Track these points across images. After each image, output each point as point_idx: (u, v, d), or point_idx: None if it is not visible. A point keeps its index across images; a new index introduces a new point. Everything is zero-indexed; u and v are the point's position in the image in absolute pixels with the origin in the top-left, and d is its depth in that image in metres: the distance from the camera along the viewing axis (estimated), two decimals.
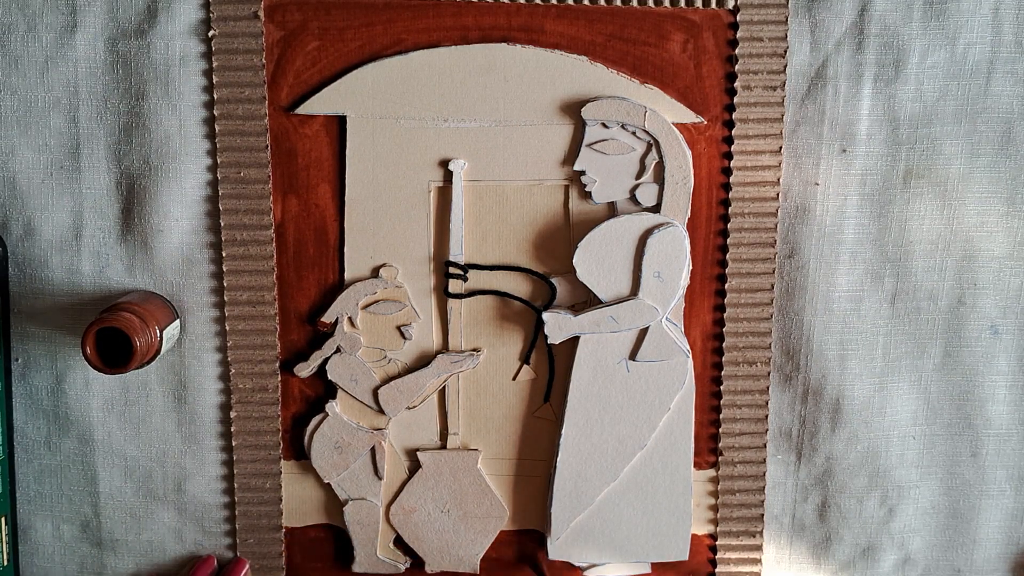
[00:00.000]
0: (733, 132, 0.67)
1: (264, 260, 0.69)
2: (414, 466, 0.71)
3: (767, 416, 0.71)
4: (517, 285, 0.69)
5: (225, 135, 0.67)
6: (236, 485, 0.71)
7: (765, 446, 0.71)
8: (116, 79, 0.66)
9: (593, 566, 0.72)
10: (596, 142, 0.67)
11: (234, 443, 0.71)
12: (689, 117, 0.67)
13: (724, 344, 0.70)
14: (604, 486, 0.70)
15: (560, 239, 0.69)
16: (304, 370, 0.69)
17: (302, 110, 0.67)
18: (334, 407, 0.70)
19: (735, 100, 0.67)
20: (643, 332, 0.67)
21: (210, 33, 0.66)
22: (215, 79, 0.66)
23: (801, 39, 0.67)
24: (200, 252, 0.69)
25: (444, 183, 0.68)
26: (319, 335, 0.70)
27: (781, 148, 0.68)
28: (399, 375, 0.70)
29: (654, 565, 0.73)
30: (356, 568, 0.72)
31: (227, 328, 0.69)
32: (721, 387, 0.70)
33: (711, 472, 0.72)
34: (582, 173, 0.67)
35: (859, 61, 0.67)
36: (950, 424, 0.72)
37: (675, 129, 0.67)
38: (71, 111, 0.67)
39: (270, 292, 0.69)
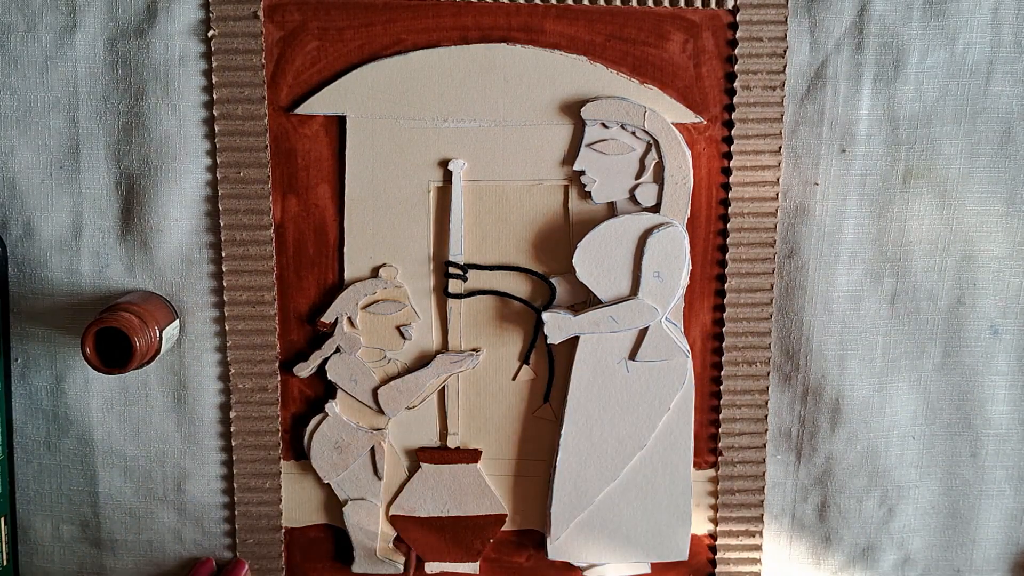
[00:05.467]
0: (733, 132, 0.67)
1: (264, 260, 0.69)
2: (414, 466, 0.71)
3: (767, 416, 0.71)
4: (517, 285, 0.69)
5: (225, 135, 0.67)
6: (236, 485, 0.71)
7: (765, 446, 0.71)
8: (115, 79, 0.66)
9: (593, 566, 0.72)
10: (596, 142, 0.67)
11: (234, 443, 0.71)
12: (689, 117, 0.67)
13: (724, 344, 0.70)
14: (604, 486, 0.70)
15: (560, 239, 0.69)
16: (304, 370, 0.69)
17: (302, 110, 0.67)
18: (334, 407, 0.70)
19: (735, 100, 0.67)
20: (643, 332, 0.67)
21: (210, 33, 0.66)
22: (215, 79, 0.66)
23: (801, 39, 0.67)
24: (200, 252, 0.69)
25: (444, 183, 0.68)
26: (319, 335, 0.70)
27: (781, 148, 0.68)
28: (399, 375, 0.70)
29: (654, 565, 0.73)
30: (356, 568, 0.72)
31: (227, 328, 0.69)
32: (721, 387, 0.70)
33: (711, 472, 0.72)
34: (582, 173, 0.67)
35: (859, 61, 0.67)
36: (950, 424, 0.72)
37: (675, 129, 0.67)
38: (71, 111, 0.67)
39: (270, 292, 0.69)
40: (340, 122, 0.67)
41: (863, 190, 0.68)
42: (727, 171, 0.68)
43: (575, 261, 0.67)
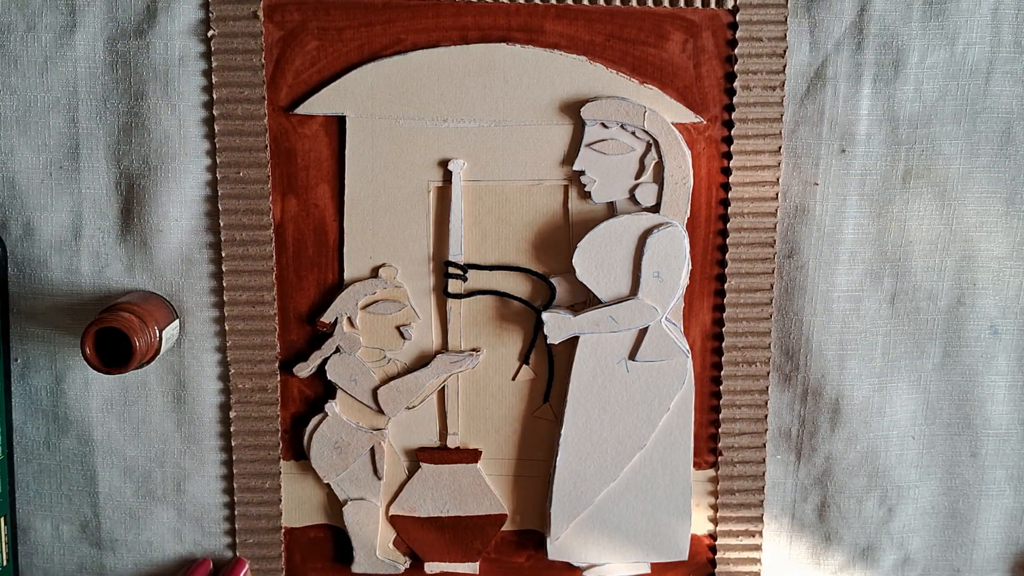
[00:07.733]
0: (732, 132, 0.67)
1: (263, 260, 0.69)
2: (414, 466, 0.71)
3: (766, 416, 0.71)
4: (517, 285, 0.69)
5: (224, 135, 0.67)
6: (235, 485, 0.71)
7: (764, 446, 0.71)
8: (115, 79, 0.66)
9: (593, 566, 0.72)
10: (595, 142, 0.67)
11: (233, 443, 0.71)
12: (688, 117, 0.67)
13: (723, 344, 0.70)
14: (604, 486, 0.70)
15: (560, 239, 0.69)
16: (303, 370, 0.69)
17: (301, 110, 0.67)
18: (333, 407, 0.70)
19: (734, 100, 0.67)
20: (643, 332, 0.67)
21: (209, 33, 0.66)
22: (214, 79, 0.66)
23: (800, 39, 0.67)
24: (199, 252, 0.69)
25: (443, 183, 0.68)
26: (318, 335, 0.70)
27: (780, 148, 0.68)
28: (398, 375, 0.70)
29: (654, 565, 0.73)
30: (356, 568, 0.72)
31: (226, 328, 0.69)
32: (721, 387, 0.70)
33: (711, 472, 0.72)
34: (582, 173, 0.67)
35: (858, 61, 0.67)
36: (949, 424, 0.72)
37: (674, 129, 0.67)
38: (70, 111, 0.67)
39: (269, 292, 0.69)
40: (340, 122, 0.67)
41: (863, 190, 0.68)
42: (727, 171, 0.68)
43: (575, 261, 0.67)
